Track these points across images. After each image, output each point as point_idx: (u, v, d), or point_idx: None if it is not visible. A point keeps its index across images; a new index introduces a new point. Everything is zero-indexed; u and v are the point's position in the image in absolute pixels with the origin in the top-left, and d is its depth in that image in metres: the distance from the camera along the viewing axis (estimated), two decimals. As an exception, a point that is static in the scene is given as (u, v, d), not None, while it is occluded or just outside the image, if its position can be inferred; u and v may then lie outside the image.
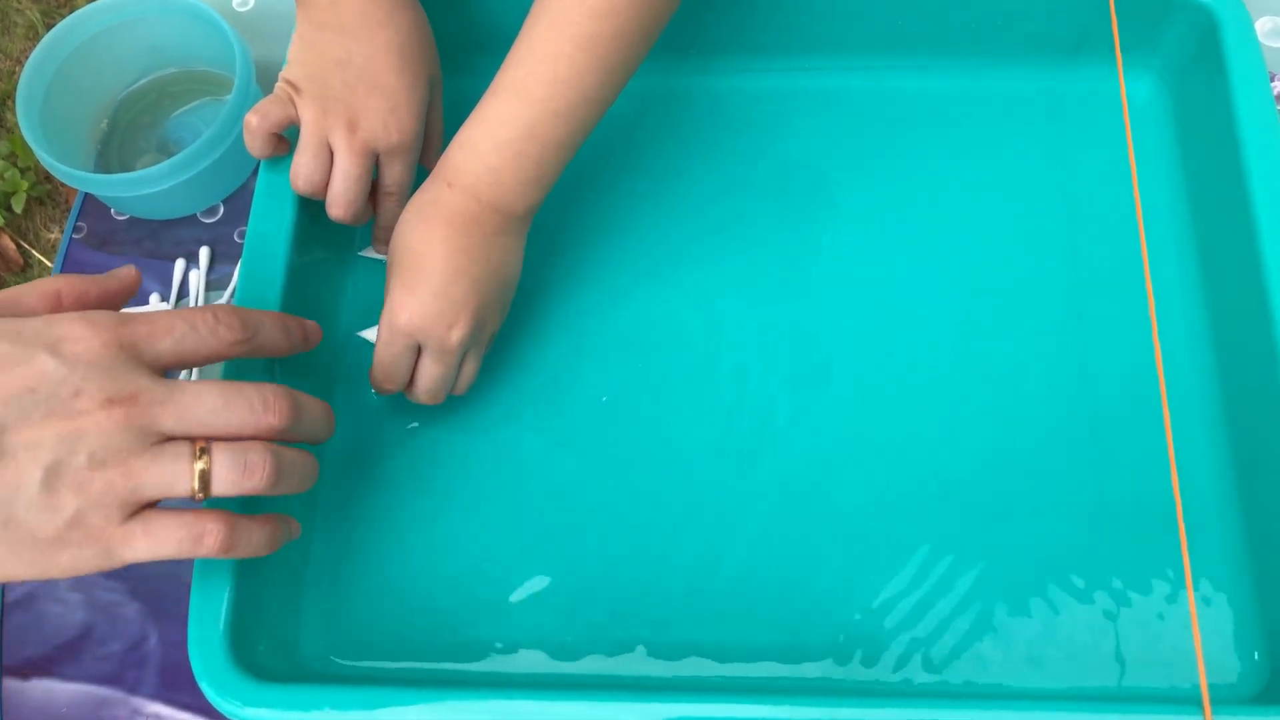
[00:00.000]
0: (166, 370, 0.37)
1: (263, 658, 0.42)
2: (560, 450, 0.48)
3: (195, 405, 0.35)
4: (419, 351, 0.45)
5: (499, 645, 0.44)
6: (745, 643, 0.44)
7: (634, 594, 0.45)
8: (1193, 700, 0.39)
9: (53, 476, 0.34)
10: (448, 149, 0.45)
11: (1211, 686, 0.42)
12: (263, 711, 0.39)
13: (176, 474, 0.35)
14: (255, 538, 0.37)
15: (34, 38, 1.22)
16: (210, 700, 0.40)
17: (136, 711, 0.45)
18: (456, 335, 0.44)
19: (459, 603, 0.45)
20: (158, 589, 0.46)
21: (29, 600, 0.47)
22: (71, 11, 0.54)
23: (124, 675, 0.45)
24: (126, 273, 0.41)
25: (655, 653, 0.44)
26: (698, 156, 0.53)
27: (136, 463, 0.34)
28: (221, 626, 0.40)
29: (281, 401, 0.37)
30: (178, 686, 0.45)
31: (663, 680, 0.43)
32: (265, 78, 0.55)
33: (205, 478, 0.35)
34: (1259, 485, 0.44)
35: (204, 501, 0.36)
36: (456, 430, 0.48)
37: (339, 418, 0.48)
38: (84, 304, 0.39)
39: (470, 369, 0.46)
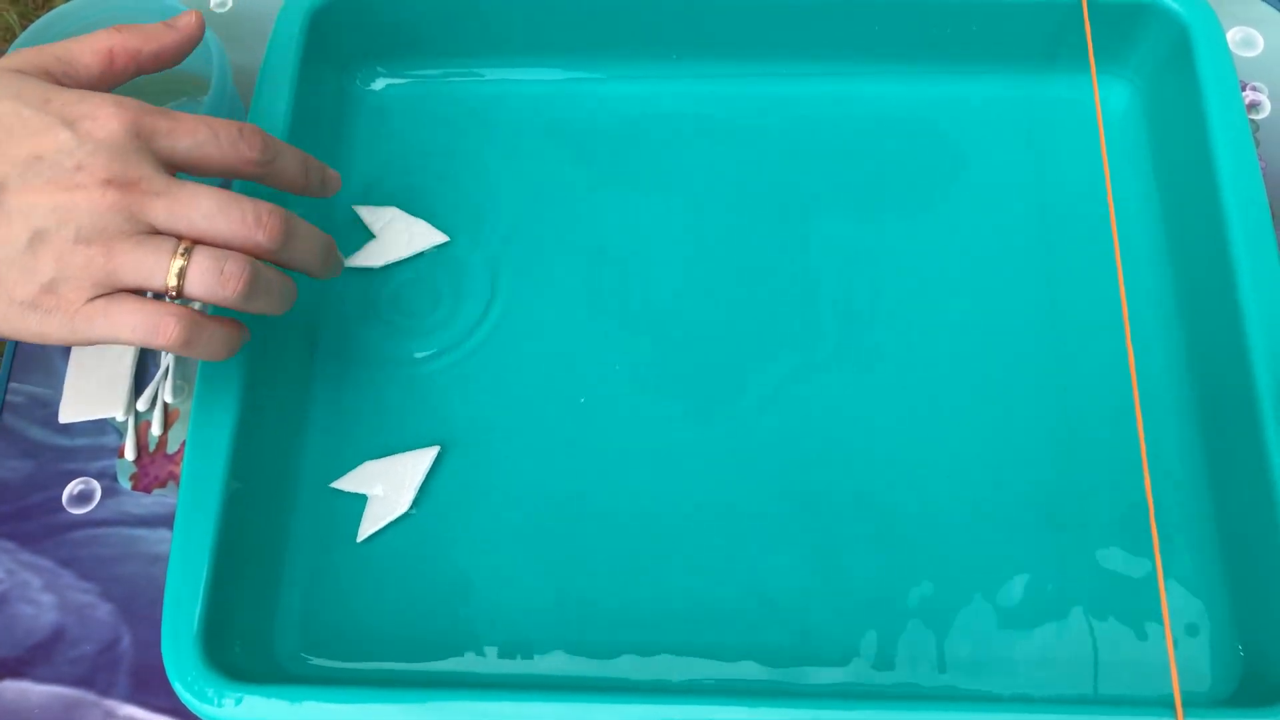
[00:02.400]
0: (178, 171, 0.37)
1: (238, 658, 0.41)
2: (541, 451, 0.47)
3: (188, 205, 0.36)
4: None
5: (481, 645, 0.44)
6: (734, 645, 0.44)
7: (619, 595, 0.45)
8: (1165, 704, 0.39)
9: (38, 241, 0.35)
10: None
11: (1185, 691, 0.42)
12: (237, 712, 0.39)
13: (155, 265, 0.35)
14: (215, 339, 0.37)
15: (11, 39, 1.21)
16: (183, 701, 0.39)
17: (109, 714, 0.44)
18: None
19: (439, 601, 0.45)
20: (131, 589, 0.46)
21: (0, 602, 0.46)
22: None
23: (96, 677, 0.45)
24: (186, 21, 0.41)
25: (640, 653, 0.44)
26: (661, 163, 0.53)
27: (119, 246, 0.35)
28: (195, 626, 0.40)
29: (274, 220, 0.37)
30: (151, 688, 0.45)
31: (647, 682, 0.43)
32: (242, 79, 0.55)
33: (182, 275, 0.35)
34: (1232, 488, 0.45)
35: (178, 301, 0.36)
36: (435, 430, 0.48)
37: (323, 423, 0.48)
38: (138, 63, 0.40)
39: None
